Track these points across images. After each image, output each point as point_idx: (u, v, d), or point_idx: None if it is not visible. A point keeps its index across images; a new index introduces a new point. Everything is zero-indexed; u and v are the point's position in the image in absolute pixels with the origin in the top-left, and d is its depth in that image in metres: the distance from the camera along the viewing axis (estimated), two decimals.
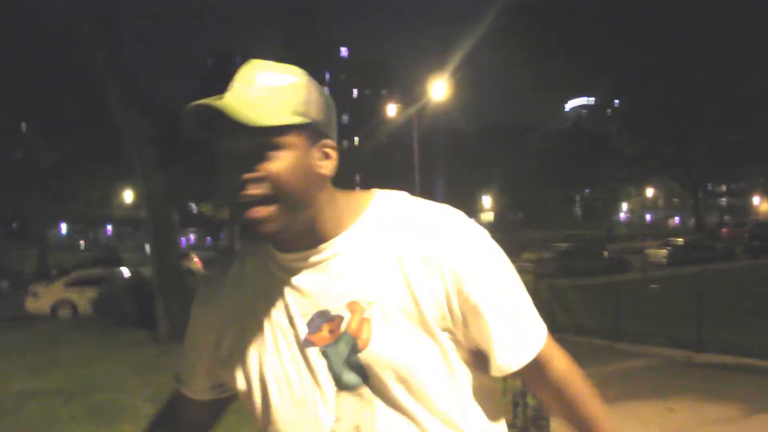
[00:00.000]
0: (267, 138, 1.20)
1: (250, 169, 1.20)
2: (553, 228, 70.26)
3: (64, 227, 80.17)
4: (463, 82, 31.12)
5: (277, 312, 1.33)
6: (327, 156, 1.30)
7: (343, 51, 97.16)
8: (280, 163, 1.21)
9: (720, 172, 58.61)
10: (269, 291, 1.34)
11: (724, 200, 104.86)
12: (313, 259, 1.30)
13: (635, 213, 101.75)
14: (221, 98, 1.21)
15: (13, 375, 11.07)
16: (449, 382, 1.29)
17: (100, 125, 34.21)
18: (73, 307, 23.16)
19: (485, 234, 1.36)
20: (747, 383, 8.58)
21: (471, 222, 1.35)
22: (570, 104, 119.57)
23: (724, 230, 54.03)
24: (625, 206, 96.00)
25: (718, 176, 69.08)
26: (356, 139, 79.52)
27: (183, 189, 47.61)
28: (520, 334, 1.33)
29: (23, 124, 43.22)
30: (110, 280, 20.19)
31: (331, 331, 1.27)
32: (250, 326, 1.35)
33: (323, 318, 1.28)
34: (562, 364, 1.40)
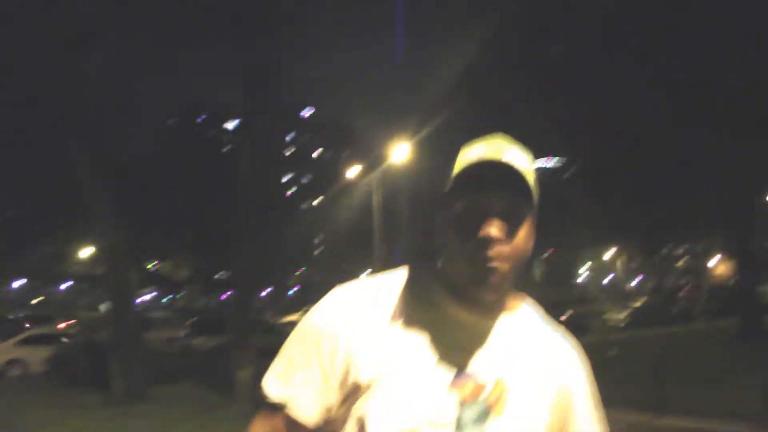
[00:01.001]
0: (523, 208, 1.35)
1: (499, 229, 1.32)
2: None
3: (16, 283, 78.59)
4: (424, 145, 31.38)
5: (430, 352, 1.38)
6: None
7: (306, 111, 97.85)
8: (523, 234, 1.36)
9: (678, 235, 59.42)
10: (431, 327, 1.40)
11: (681, 263, 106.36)
12: (482, 328, 1.43)
13: (594, 275, 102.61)
14: (495, 158, 1.34)
15: None
16: None
17: (59, 180, 33.92)
18: (24, 367, 22.58)
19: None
20: None
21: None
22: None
23: (682, 292, 54.64)
24: (584, 268, 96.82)
25: (676, 239, 70.02)
26: (316, 201, 79.65)
27: (141, 247, 47.03)
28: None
29: None
30: (65, 339, 19.75)
31: (473, 392, 1.37)
32: (402, 351, 1.38)
33: (468, 379, 1.37)
34: None
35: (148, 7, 17.85)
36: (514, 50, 22.32)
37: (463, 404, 1.35)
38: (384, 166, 32.80)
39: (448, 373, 1.37)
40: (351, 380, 1.37)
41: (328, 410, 1.40)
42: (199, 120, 73.32)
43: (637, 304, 37.02)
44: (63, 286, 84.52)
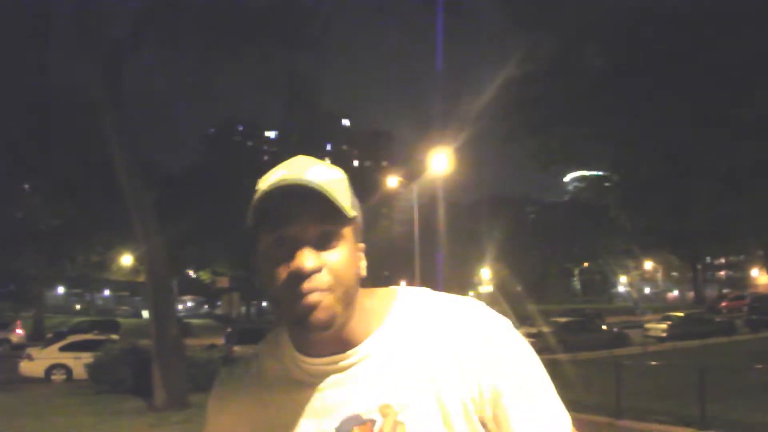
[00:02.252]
0: (335, 227, 1.21)
1: (314, 260, 1.18)
2: (552, 301, 70.09)
3: (61, 289, 79.88)
4: (463, 154, 31.31)
5: (305, 421, 1.29)
6: (362, 258, 1.31)
7: (345, 122, 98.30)
8: (340, 254, 1.21)
9: (718, 246, 58.61)
10: (294, 399, 1.31)
11: (722, 273, 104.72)
12: (341, 364, 1.28)
13: (634, 286, 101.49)
14: (292, 179, 1.19)
15: None
16: None
17: (101, 188, 34.47)
18: (68, 372, 23.00)
19: (508, 324, 1.35)
20: None
21: (493, 313, 1.34)
22: (569, 176, 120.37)
23: (723, 304, 53.89)
24: (623, 279, 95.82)
25: (717, 250, 69.03)
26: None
27: (181, 255, 47.58)
28: (541, 425, 1.27)
29: (25, 185, 43.48)
30: (106, 345, 20.01)
31: None
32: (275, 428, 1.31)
33: (354, 422, 1.25)
34: None
35: (188, 21, 18.07)
36: (556, 61, 22.19)
37: None
38: (424, 175, 32.80)
39: (328, 430, 1.26)
40: None
41: None
42: (239, 129, 74.05)
43: (679, 314, 36.48)
44: (105, 293, 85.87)
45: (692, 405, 10.88)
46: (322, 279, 1.19)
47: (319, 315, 1.19)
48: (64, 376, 22.99)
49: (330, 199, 1.19)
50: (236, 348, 25.78)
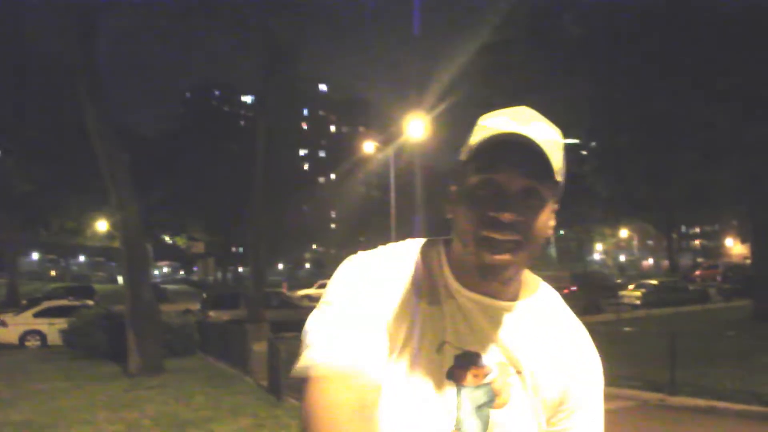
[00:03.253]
0: (542, 186, 1.22)
1: (514, 211, 1.20)
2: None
3: (35, 255, 79.32)
4: (440, 119, 31.25)
5: (436, 330, 1.30)
6: (553, 219, 1.31)
7: (322, 87, 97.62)
8: (542, 224, 1.24)
9: (693, 214, 59.11)
10: (436, 308, 1.32)
11: (697, 242, 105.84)
12: (491, 305, 1.32)
13: (609, 254, 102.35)
14: (519, 132, 1.20)
15: None
16: None
17: (75, 152, 34.09)
18: (42, 338, 22.90)
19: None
20: (720, 427, 8.58)
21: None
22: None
23: (697, 272, 54.49)
24: (599, 247, 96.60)
25: (692, 218, 69.67)
26: (332, 175, 79.57)
27: (157, 220, 47.31)
28: None
29: None
30: (81, 310, 19.91)
31: (474, 376, 1.29)
32: (407, 330, 1.30)
33: (472, 360, 1.30)
34: None
35: None
36: (532, 26, 22.17)
37: (462, 390, 1.28)
38: (400, 140, 32.74)
39: (449, 355, 1.29)
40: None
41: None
42: (215, 94, 73.40)
43: (653, 283, 36.86)
44: (81, 259, 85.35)
45: (663, 371, 11.02)
46: (516, 232, 1.21)
47: (505, 273, 1.24)
48: (38, 343, 22.90)
49: (546, 159, 1.20)
50: (211, 313, 25.78)
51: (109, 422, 9.35)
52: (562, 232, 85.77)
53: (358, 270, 1.33)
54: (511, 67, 23.12)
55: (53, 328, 21.73)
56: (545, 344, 1.34)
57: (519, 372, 1.31)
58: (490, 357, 1.30)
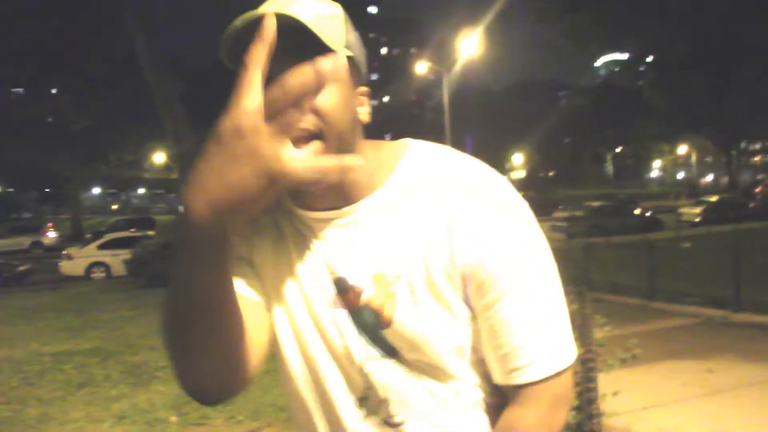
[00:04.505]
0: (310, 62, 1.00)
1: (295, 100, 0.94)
2: (584, 186, 69.76)
3: (97, 190, 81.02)
4: (493, 38, 30.68)
5: (303, 267, 1.20)
6: (362, 103, 1.16)
7: (372, 9, 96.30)
8: (331, 96, 1.05)
9: (754, 130, 57.46)
10: (293, 246, 1.22)
11: (757, 159, 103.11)
12: (339, 221, 1.17)
13: (667, 171, 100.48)
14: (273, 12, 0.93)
15: (50, 336, 11.23)
16: (472, 357, 1.20)
17: (130, 85, 34.36)
18: (107, 269, 23.51)
19: (526, 210, 1.19)
20: None
21: (514, 192, 1.19)
22: (601, 60, 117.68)
23: (757, 189, 53.21)
24: (657, 164, 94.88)
25: (753, 134, 67.73)
26: (385, 98, 79.03)
27: None
28: (541, 354, 1.15)
29: (53, 89, 43.47)
30: (143, 241, 20.32)
31: (353, 297, 1.17)
32: (278, 277, 1.22)
33: (346, 284, 1.17)
34: (537, 418, 1.17)
35: None
36: None
37: (353, 314, 1.18)
38: (453, 60, 32.25)
39: (326, 284, 1.19)
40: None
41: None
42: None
43: (713, 199, 36.13)
44: (140, 191, 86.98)
45: (726, 287, 10.83)
46: (307, 124, 1.03)
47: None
48: (103, 274, 23.55)
49: (316, 35, 1.03)
50: None
51: None
52: (618, 149, 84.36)
53: None
54: None
55: (117, 260, 22.30)
56: (414, 228, 1.15)
57: (398, 276, 1.14)
58: (361, 274, 1.16)
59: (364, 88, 1.17)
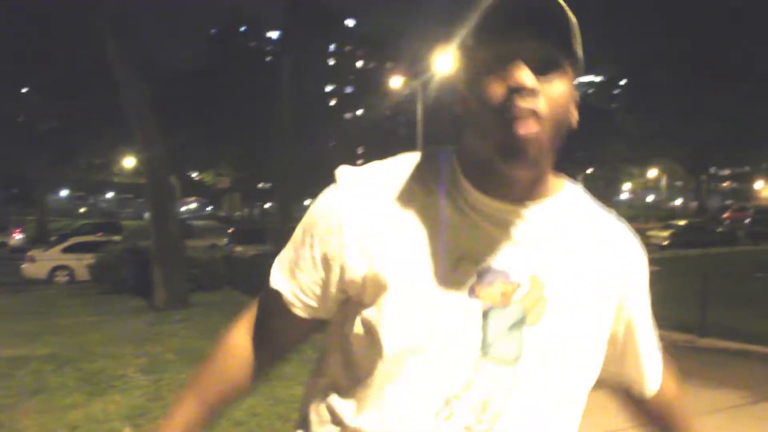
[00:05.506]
0: (559, 57, 1.06)
1: (537, 90, 1.03)
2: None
3: (64, 192, 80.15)
4: None
5: (449, 246, 1.14)
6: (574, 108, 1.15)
7: (349, 22, 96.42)
8: (561, 88, 1.07)
9: (724, 155, 58.22)
10: (447, 222, 1.16)
11: (726, 184, 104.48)
12: (517, 210, 1.16)
13: (637, 194, 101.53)
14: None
15: (7, 340, 10.98)
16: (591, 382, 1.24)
17: (101, 88, 34.05)
18: (71, 273, 23.18)
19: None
20: (751, 370, 8.45)
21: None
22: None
23: (726, 215, 53.90)
24: (626, 187, 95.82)
25: (722, 160, 68.66)
26: (359, 111, 79.06)
27: (183, 156, 47.41)
28: (658, 367, 1.46)
29: (23, 88, 43.01)
30: (108, 246, 20.05)
31: (503, 294, 1.13)
32: (413, 249, 1.14)
33: (498, 276, 1.14)
34: (672, 385, 1.51)
35: None
36: None
37: (489, 311, 1.12)
38: (428, 75, 32.37)
39: (470, 272, 1.13)
40: (355, 272, 1.16)
41: (325, 302, 1.25)
42: (240, 30, 72.70)
43: (681, 223, 36.53)
44: (109, 195, 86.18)
45: (692, 312, 10.86)
46: (533, 105, 1.04)
47: (531, 148, 1.05)
48: (66, 278, 23.21)
49: (565, 17, 1.04)
50: (238, 248, 25.92)
51: (133, 356, 9.38)
52: (589, 171, 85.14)
53: (342, 184, 1.22)
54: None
55: (81, 264, 21.97)
56: (583, 246, 1.20)
57: (553, 284, 1.15)
58: (518, 270, 1.14)
59: (576, 94, 1.17)
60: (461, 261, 1.13)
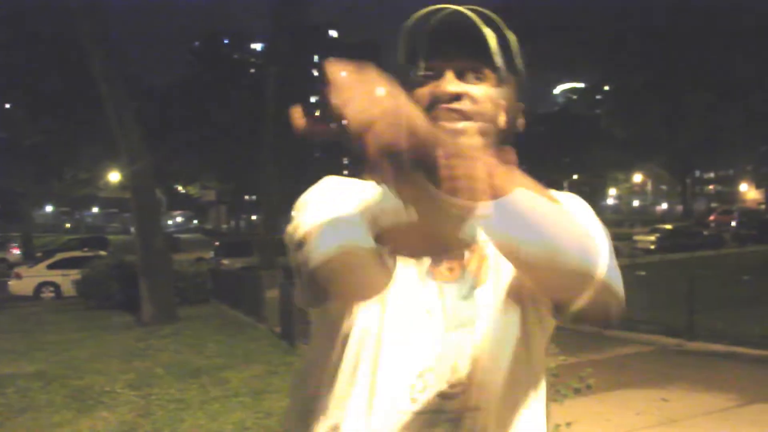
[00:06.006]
0: (482, 64, 1.18)
1: (458, 85, 1.16)
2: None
3: (49, 208, 79.68)
4: None
5: (413, 237, 1.15)
6: (515, 118, 1.26)
7: (332, 33, 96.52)
8: (484, 90, 1.18)
9: (708, 159, 58.55)
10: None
11: (711, 188, 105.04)
12: (462, 205, 1.13)
13: (622, 199, 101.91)
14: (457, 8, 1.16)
15: None
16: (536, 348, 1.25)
17: (85, 102, 33.95)
18: (57, 289, 23.03)
19: None
20: (739, 372, 8.48)
21: None
22: (559, 88, 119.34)
23: (711, 217, 54.14)
24: (612, 192, 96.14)
25: (707, 163, 69.03)
26: (344, 122, 79.11)
27: (169, 170, 47.26)
28: None
29: (6, 104, 42.82)
30: (94, 261, 19.94)
31: (450, 269, 1.21)
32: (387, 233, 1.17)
33: (446, 255, 1.21)
34: None
35: None
36: None
37: (442, 287, 1.20)
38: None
39: (425, 259, 1.20)
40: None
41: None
42: (224, 42, 72.72)
43: (667, 227, 36.65)
44: (94, 210, 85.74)
45: (680, 316, 10.89)
46: (463, 105, 1.16)
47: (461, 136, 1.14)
48: (52, 294, 23.06)
49: (483, 39, 1.16)
50: (224, 261, 25.82)
51: (121, 372, 9.32)
52: (575, 176, 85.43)
53: (329, 182, 1.28)
54: (525, 7, 22.73)
55: (67, 280, 21.83)
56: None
57: (487, 240, 1.18)
58: (460, 246, 1.22)
59: (520, 104, 1.28)
60: (417, 249, 1.18)
